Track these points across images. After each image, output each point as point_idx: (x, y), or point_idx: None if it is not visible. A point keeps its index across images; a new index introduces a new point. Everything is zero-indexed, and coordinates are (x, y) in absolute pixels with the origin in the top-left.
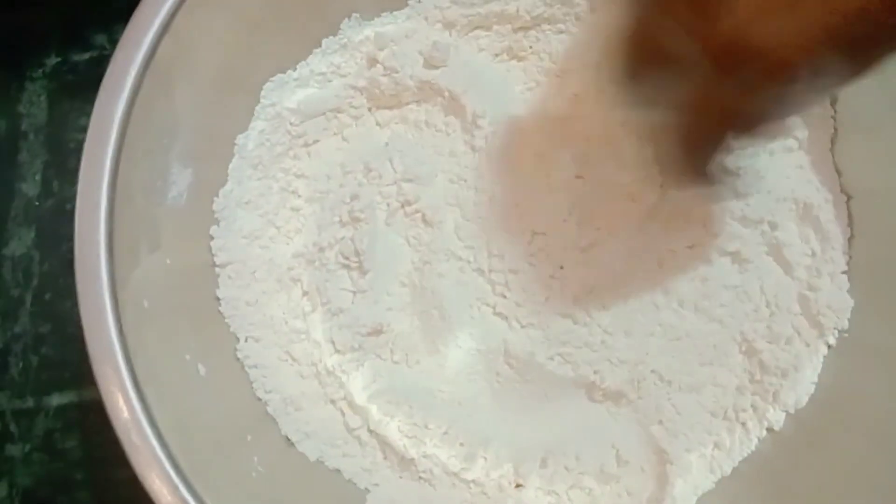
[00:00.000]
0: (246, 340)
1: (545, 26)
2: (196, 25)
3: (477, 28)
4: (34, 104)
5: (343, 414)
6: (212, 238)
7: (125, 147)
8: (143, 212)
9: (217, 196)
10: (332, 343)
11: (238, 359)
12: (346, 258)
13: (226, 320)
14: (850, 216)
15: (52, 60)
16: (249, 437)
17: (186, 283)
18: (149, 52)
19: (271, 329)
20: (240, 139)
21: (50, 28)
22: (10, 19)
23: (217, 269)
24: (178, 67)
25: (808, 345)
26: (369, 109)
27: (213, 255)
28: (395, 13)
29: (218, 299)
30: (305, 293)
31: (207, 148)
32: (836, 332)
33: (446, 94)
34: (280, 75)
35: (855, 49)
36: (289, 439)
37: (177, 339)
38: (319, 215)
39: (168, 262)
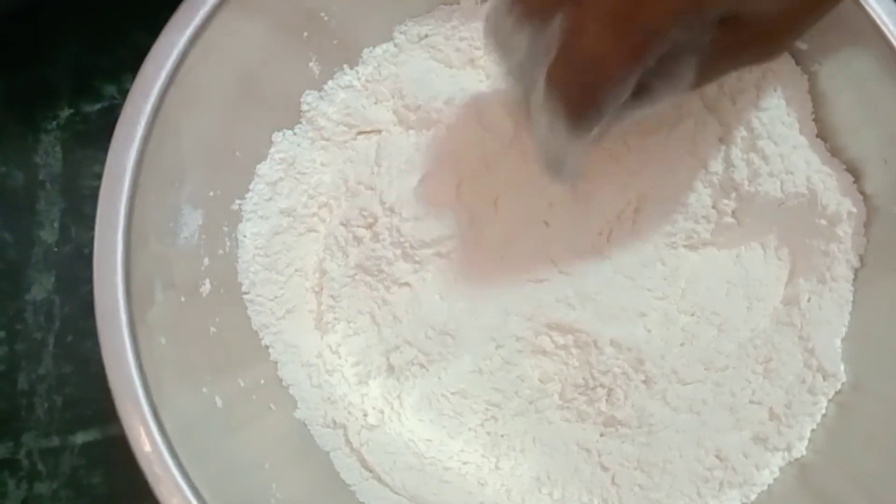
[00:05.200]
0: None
1: None
2: (201, 74)
3: None
4: (49, 154)
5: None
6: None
7: (138, 193)
8: (157, 253)
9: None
10: (353, 366)
11: (251, 388)
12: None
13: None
14: None
15: (65, 112)
16: (267, 465)
17: (199, 320)
18: (157, 102)
19: (293, 354)
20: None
21: (61, 81)
22: (23, 76)
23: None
24: (184, 115)
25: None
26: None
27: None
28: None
29: (230, 331)
30: (326, 319)
31: (215, 189)
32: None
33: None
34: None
35: None
36: (306, 465)
37: (193, 373)
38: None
39: (182, 299)
